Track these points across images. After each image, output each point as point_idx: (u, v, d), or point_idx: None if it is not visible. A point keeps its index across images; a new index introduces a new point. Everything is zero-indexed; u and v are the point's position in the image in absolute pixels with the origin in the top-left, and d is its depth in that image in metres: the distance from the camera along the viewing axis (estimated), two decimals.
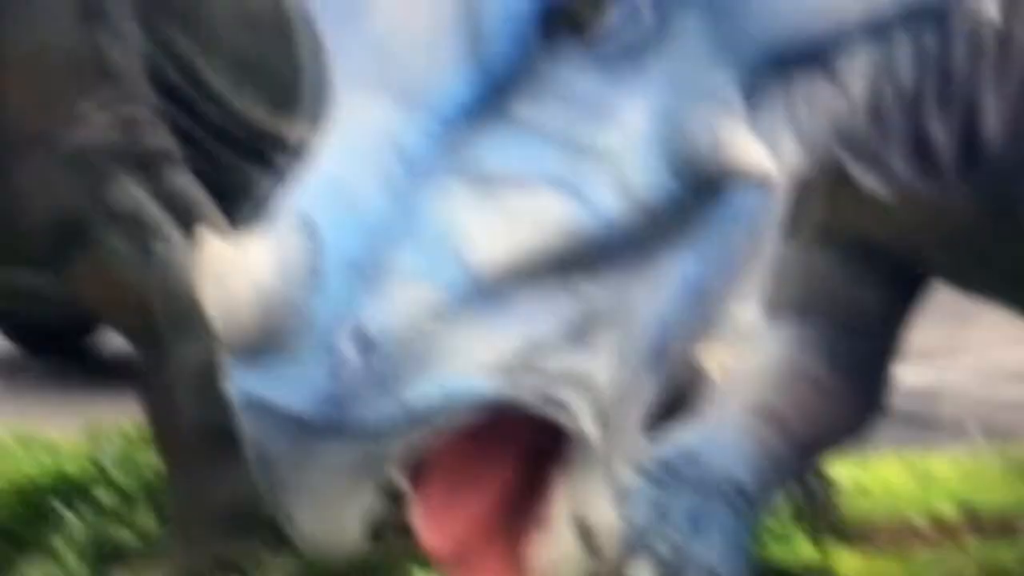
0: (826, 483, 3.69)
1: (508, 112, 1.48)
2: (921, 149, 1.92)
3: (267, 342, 1.39)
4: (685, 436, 2.36)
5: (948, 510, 3.70)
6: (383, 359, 1.40)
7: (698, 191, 1.54)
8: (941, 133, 1.92)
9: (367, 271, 1.41)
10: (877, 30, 1.67)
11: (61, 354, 6.26)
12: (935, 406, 4.97)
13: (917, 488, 3.90)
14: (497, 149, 1.48)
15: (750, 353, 2.47)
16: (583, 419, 1.52)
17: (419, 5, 1.51)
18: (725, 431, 2.34)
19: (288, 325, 1.38)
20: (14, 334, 6.28)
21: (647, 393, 1.61)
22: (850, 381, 2.42)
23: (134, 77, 3.06)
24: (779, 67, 1.60)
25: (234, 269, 1.41)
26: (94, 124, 3.01)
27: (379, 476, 1.48)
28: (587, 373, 1.52)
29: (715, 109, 1.54)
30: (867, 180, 1.89)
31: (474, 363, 1.45)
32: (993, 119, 1.95)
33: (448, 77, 1.47)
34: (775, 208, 1.66)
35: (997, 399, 5.35)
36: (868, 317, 2.42)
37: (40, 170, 3.02)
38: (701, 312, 1.61)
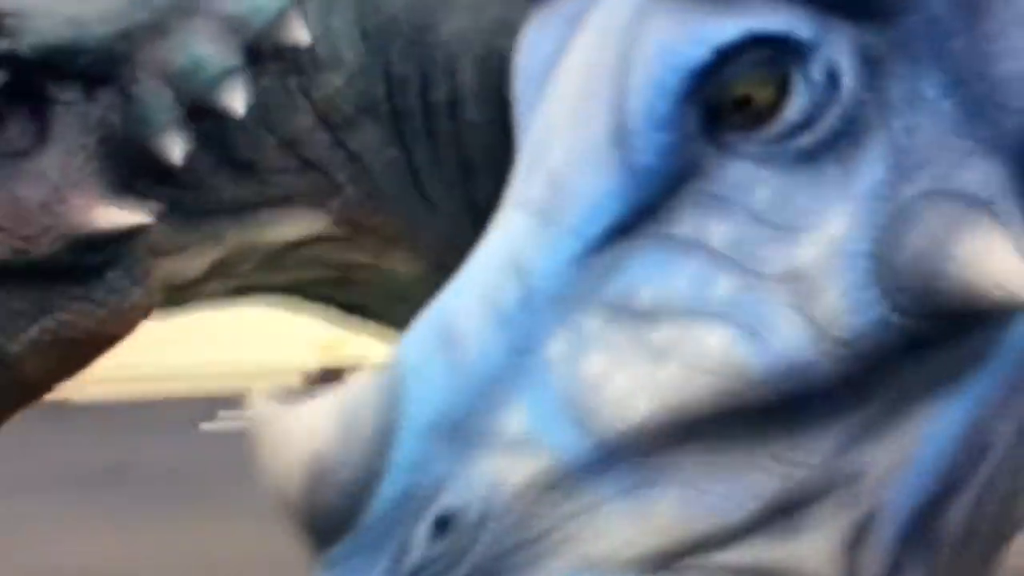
0: None
1: (664, 229, 1.17)
2: None
3: (324, 525, 1.10)
4: None
5: None
6: (472, 547, 1.10)
7: (940, 322, 1.14)
8: None
9: (459, 432, 1.11)
10: None
11: None
12: None
13: None
14: (648, 275, 1.16)
15: None
16: None
17: (574, 107, 1.21)
18: None
19: (349, 504, 1.10)
20: None
21: None
22: None
23: None
24: None
25: (289, 437, 1.12)
26: None
27: None
28: (791, 568, 1.16)
29: (960, 211, 1.13)
30: None
31: (607, 555, 1.12)
32: None
33: (591, 187, 1.17)
34: None
35: None
36: None
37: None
38: (982, 475, 1.22)
